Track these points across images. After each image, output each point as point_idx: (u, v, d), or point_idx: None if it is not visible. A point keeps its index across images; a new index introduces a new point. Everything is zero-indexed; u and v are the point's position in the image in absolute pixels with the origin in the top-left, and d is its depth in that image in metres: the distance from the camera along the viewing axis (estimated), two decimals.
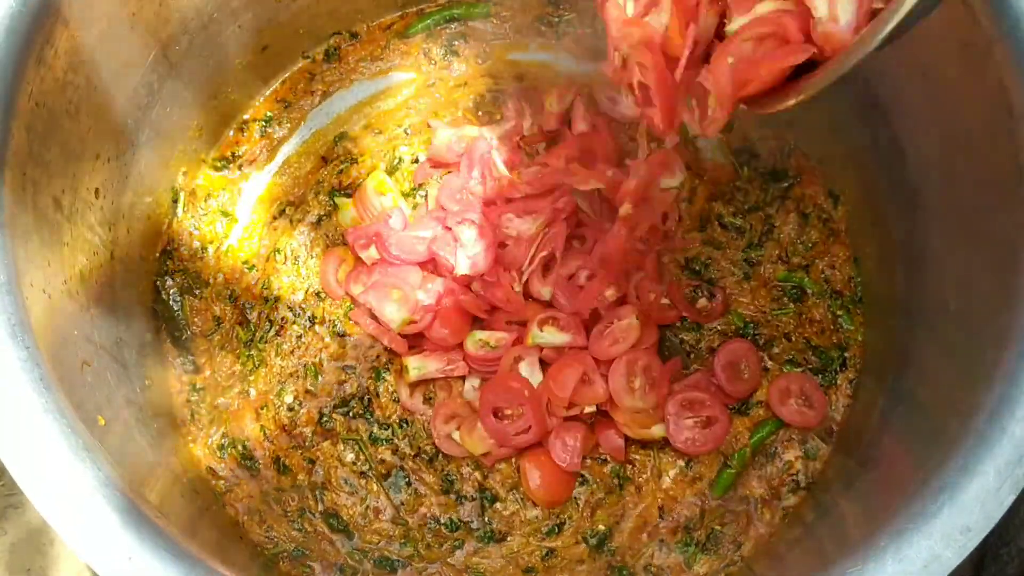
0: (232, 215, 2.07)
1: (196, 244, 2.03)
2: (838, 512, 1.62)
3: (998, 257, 1.46)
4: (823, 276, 1.98)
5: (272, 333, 1.97)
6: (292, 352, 1.96)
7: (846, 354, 1.92)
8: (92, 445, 1.32)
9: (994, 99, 1.46)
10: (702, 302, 1.97)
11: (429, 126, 2.09)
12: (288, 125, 2.14)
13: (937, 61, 1.60)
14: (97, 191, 1.72)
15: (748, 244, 2.01)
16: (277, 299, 1.99)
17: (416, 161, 2.07)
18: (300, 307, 1.98)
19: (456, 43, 2.16)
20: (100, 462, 1.31)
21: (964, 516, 1.25)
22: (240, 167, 2.11)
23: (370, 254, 1.95)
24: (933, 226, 1.68)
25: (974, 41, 1.49)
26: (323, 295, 1.99)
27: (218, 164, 2.10)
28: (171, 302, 1.97)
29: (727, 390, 1.91)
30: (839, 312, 1.95)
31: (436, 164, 2.05)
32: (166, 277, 1.99)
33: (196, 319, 1.98)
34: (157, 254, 1.99)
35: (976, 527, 1.24)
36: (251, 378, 1.94)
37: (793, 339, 1.94)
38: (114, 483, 1.31)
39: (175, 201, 2.03)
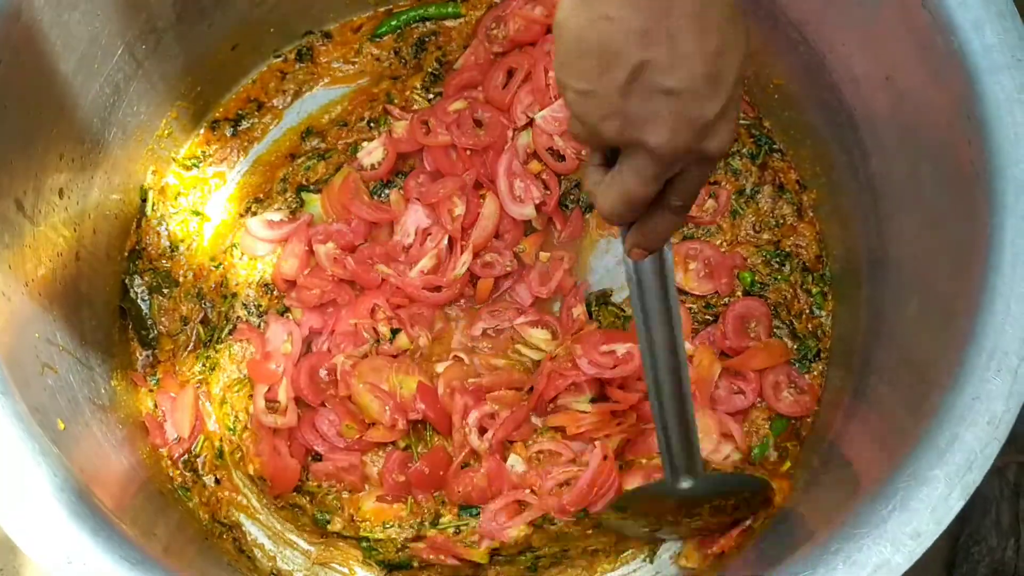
0: (203, 214, 2.07)
1: (165, 243, 2.02)
2: (795, 517, 1.63)
3: (956, 261, 1.47)
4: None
5: (227, 332, 1.96)
6: (243, 355, 1.95)
7: (820, 344, 1.93)
8: (49, 450, 1.32)
9: (954, 104, 1.47)
10: (709, 203, 1.99)
11: (386, 112, 2.07)
12: (259, 124, 2.14)
13: (901, 66, 1.61)
14: (61, 191, 1.72)
15: (738, 191, 2.01)
16: (234, 295, 1.99)
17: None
18: (254, 304, 1.98)
19: (428, 40, 2.14)
20: (57, 467, 1.32)
21: (914, 521, 1.26)
22: (211, 166, 2.10)
23: (328, 249, 1.95)
24: (896, 229, 1.69)
25: (935, 47, 1.50)
26: (271, 287, 1.99)
27: (188, 163, 2.09)
28: (139, 301, 1.97)
29: (731, 344, 1.90)
30: (813, 289, 1.95)
31: (399, 155, 2.04)
32: (135, 276, 1.98)
33: (163, 318, 1.98)
34: (125, 254, 1.99)
35: (926, 532, 1.25)
36: (209, 380, 1.94)
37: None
38: (72, 488, 1.31)
39: (144, 200, 2.02)
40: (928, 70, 1.52)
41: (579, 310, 1.92)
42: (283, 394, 1.88)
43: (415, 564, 1.86)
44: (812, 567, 1.25)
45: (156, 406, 1.91)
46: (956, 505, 1.26)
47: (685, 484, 1.60)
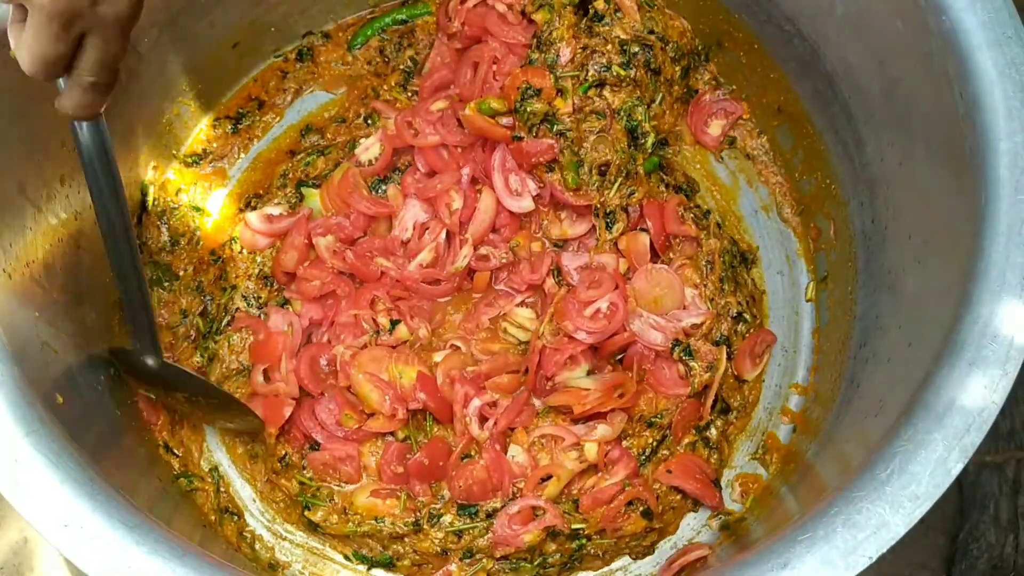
0: (203, 209, 2.08)
1: (166, 238, 2.03)
2: (796, 490, 1.63)
3: (950, 240, 1.49)
4: None
5: (225, 324, 1.97)
6: (243, 347, 1.95)
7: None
8: (47, 418, 1.33)
9: (946, 83, 1.50)
10: None
11: (376, 111, 2.09)
12: (260, 122, 2.15)
13: (894, 51, 1.63)
14: (63, 179, 1.73)
15: None
16: (234, 288, 1.99)
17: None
18: (254, 296, 1.99)
19: (404, 39, 2.16)
20: (55, 435, 1.32)
21: (913, 484, 1.26)
22: (211, 162, 2.12)
23: (327, 242, 1.95)
24: (892, 211, 1.70)
25: (927, 28, 1.52)
26: (270, 279, 2.00)
27: (189, 160, 2.11)
28: None
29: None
30: None
31: (395, 150, 2.04)
32: None
33: (163, 311, 1.98)
34: None
35: (924, 495, 1.26)
36: (207, 371, 1.94)
37: None
38: (70, 455, 1.31)
39: (144, 195, 2.03)
40: (920, 52, 1.55)
41: (549, 283, 1.93)
42: (284, 367, 1.89)
43: (408, 562, 1.85)
44: (812, 530, 1.25)
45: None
46: (955, 467, 1.26)
47: (150, 361, 1.70)
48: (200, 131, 2.13)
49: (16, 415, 1.31)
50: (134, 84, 1.90)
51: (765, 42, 1.95)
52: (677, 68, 2.02)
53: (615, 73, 1.92)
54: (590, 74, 1.92)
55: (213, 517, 1.85)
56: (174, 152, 2.09)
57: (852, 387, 1.69)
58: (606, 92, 1.93)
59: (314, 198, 2.04)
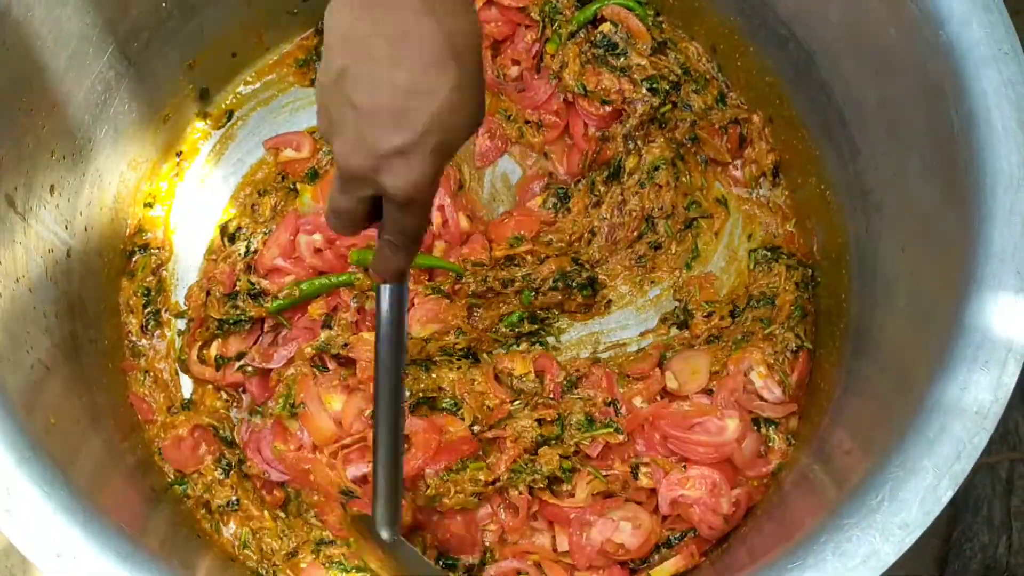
0: (198, 212, 2.07)
1: (161, 240, 2.02)
2: (786, 513, 1.63)
3: (945, 254, 1.47)
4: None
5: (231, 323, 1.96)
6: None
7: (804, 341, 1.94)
8: (39, 444, 1.33)
9: (942, 98, 1.48)
10: None
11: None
12: (256, 123, 2.13)
13: (889, 62, 1.62)
14: (53, 188, 1.72)
15: None
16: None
17: None
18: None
19: None
20: (47, 463, 1.32)
21: (903, 512, 1.26)
22: (205, 165, 2.10)
23: (310, 239, 1.93)
24: (885, 225, 1.69)
25: (923, 41, 1.51)
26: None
27: (183, 162, 2.09)
28: (133, 300, 1.97)
29: None
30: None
31: None
32: (131, 275, 1.99)
33: (160, 316, 1.98)
34: (120, 251, 1.98)
35: (914, 523, 1.26)
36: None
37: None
38: (61, 482, 1.31)
39: (137, 199, 2.02)
40: (915, 64, 1.53)
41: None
42: None
43: None
44: (802, 558, 1.26)
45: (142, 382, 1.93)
46: (945, 495, 1.26)
47: (384, 534, 1.56)
48: (194, 132, 2.11)
49: (7, 442, 1.30)
50: (124, 85, 1.88)
51: (759, 46, 1.93)
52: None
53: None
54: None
55: (207, 525, 1.85)
56: (166, 154, 2.08)
57: (842, 406, 1.68)
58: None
59: (307, 193, 2.03)
